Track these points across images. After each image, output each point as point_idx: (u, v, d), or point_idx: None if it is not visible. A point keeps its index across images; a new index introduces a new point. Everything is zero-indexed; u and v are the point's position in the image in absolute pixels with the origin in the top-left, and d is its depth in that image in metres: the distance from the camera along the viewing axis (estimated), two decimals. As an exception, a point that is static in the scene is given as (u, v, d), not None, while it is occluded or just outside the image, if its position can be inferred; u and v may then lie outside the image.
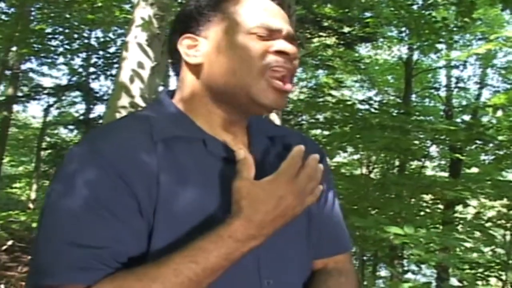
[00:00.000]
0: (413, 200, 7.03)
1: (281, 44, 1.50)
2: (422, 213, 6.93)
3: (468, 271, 6.03)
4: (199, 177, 1.45)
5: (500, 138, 7.98)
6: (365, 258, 10.61)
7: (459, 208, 11.83)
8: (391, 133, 6.94)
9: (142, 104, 6.25)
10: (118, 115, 6.22)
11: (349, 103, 8.21)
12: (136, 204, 1.37)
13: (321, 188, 1.48)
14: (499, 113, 9.14)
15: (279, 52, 1.49)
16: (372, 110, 7.66)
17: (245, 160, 1.42)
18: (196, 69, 1.56)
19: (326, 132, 9.63)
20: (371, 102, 7.90)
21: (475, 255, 5.69)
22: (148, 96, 6.41)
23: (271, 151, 1.63)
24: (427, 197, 8.17)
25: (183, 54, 1.57)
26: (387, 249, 7.13)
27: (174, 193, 1.40)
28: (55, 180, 1.43)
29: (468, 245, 5.34)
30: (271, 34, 1.50)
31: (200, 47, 1.54)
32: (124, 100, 6.27)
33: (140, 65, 6.36)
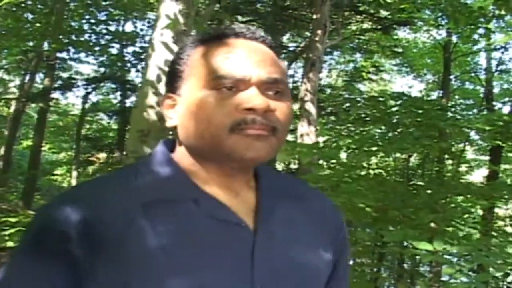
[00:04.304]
0: (448, 200, 6.89)
1: (247, 99, 1.30)
2: (457, 218, 6.75)
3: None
4: (186, 243, 1.28)
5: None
6: (405, 265, 10.46)
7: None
8: (426, 130, 6.78)
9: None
10: (145, 114, 6.16)
11: (381, 99, 8.04)
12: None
13: None
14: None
15: (248, 109, 1.30)
16: (404, 107, 7.43)
17: None
18: (176, 130, 1.41)
19: (360, 128, 9.51)
20: (405, 98, 7.66)
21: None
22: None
23: (282, 213, 1.44)
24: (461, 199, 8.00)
25: (164, 115, 1.43)
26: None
27: (150, 262, 1.24)
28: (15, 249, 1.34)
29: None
30: (237, 85, 1.31)
31: (177, 107, 1.40)
32: (151, 99, 6.20)
33: (167, 63, 6.27)
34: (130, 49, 17.77)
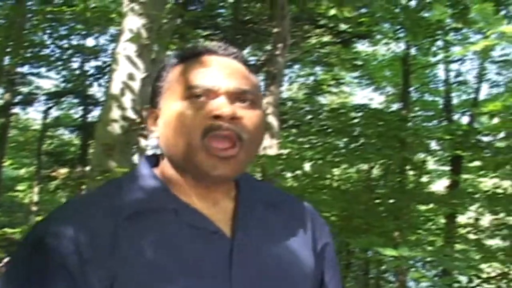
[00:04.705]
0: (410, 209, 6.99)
1: (215, 107, 1.40)
2: (421, 226, 6.86)
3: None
4: (166, 251, 1.37)
5: (497, 144, 7.96)
6: (371, 276, 10.52)
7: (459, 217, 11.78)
8: (387, 141, 6.88)
9: (134, 116, 6.21)
10: (110, 128, 6.18)
11: (342, 111, 8.14)
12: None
13: None
14: (495, 120, 9.10)
15: (216, 116, 1.40)
16: (365, 119, 7.53)
17: None
18: (158, 142, 1.51)
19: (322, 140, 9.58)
20: (366, 109, 7.77)
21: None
22: (140, 108, 6.35)
23: (261, 220, 1.53)
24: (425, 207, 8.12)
25: (147, 128, 1.55)
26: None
27: (133, 272, 1.32)
28: (8, 264, 1.40)
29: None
30: (207, 95, 1.42)
31: (158, 120, 1.50)
32: (116, 113, 6.22)
33: (130, 77, 6.31)
34: (92, 63, 17.77)
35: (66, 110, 24.03)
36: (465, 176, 16.80)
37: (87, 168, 17.33)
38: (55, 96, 19.82)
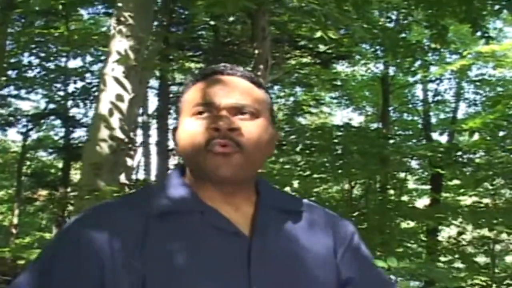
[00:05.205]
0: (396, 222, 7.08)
1: (215, 121, 1.54)
2: (405, 238, 6.94)
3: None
4: (191, 250, 1.49)
5: (477, 160, 8.10)
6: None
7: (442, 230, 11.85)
8: (370, 158, 6.99)
9: (122, 136, 6.29)
10: (98, 148, 6.26)
11: (326, 129, 8.25)
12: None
13: None
14: (476, 136, 9.23)
15: (215, 129, 1.54)
16: (349, 135, 7.65)
17: None
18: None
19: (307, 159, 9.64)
20: (349, 128, 7.90)
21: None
22: (128, 128, 6.44)
23: (280, 225, 1.64)
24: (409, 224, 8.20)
25: (172, 141, 1.73)
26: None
27: (161, 269, 1.44)
28: (39, 256, 1.54)
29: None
30: (210, 110, 1.57)
31: (176, 136, 1.66)
32: (104, 133, 6.30)
33: (119, 97, 6.39)
34: (74, 84, 17.73)
35: (46, 131, 23.93)
36: (445, 194, 16.93)
37: (69, 189, 17.31)
38: (35, 118, 19.78)
